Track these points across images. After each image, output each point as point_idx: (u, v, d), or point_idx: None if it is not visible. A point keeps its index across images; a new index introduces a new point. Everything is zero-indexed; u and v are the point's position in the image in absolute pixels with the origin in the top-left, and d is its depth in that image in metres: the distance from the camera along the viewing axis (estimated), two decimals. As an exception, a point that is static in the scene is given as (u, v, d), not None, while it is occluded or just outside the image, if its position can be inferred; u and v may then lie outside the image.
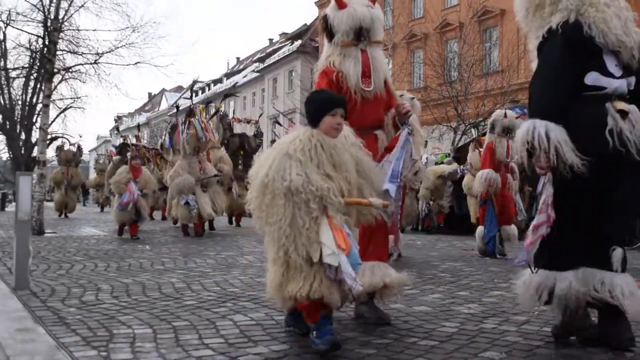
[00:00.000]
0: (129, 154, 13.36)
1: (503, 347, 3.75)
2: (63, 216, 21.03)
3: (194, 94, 14.66)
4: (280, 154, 3.57)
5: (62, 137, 23.50)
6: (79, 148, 22.61)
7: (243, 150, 16.50)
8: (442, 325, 4.34)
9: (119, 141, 31.06)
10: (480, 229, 9.66)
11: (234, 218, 16.94)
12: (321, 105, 3.78)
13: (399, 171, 4.37)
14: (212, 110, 13.16)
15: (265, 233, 3.63)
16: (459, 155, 18.02)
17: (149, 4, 49.49)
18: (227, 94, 17.82)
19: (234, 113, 21.21)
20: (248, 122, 18.44)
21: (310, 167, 3.52)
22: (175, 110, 14.53)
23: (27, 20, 15.31)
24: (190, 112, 13.22)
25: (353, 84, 4.52)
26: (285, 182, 3.43)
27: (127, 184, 11.64)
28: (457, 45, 27.72)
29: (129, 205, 11.48)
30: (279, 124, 25.15)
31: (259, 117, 20.66)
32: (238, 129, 21.42)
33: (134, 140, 22.20)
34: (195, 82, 12.86)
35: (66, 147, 22.59)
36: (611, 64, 3.70)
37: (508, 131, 9.39)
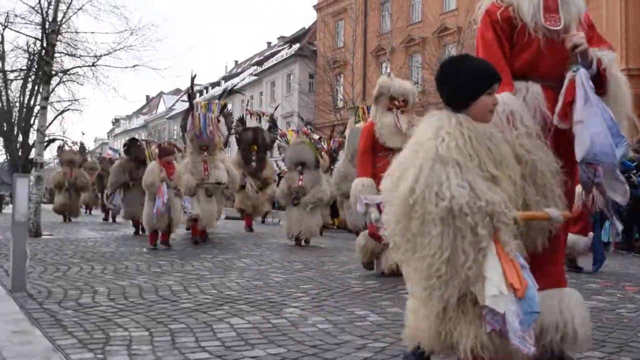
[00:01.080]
0: (153, 149, 11.99)
1: (500, 351, 3.74)
2: (67, 220, 19.78)
3: (195, 93, 13.67)
4: (427, 157, 2.60)
5: (62, 139, 23.40)
6: (82, 147, 21.50)
7: (256, 145, 15.14)
8: (439, 329, 4.32)
9: (116, 144, 30.71)
10: None
11: (245, 221, 15.92)
12: (477, 79, 2.79)
13: (613, 124, 3.03)
14: (216, 108, 11.84)
15: (405, 262, 2.76)
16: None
17: (147, 7, 49.40)
18: (232, 91, 16.10)
19: (247, 108, 19.36)
20: (262, 115, 16.86)
21: (472, 172, 2.58)
22: (188, 95, 12.66)
23: (25, 23, 15.28)
24: (191, 105, 11.84)
25: (530, 19, 3.25)
26: (443, 202, 2.49)
27: (159, 186, 10.12)
28: (455, 50, 27.77)
29: (163, 209, 10.08)
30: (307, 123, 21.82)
31: (275, 109, 19.21)
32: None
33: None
34: (195, 76, 11.79)
35: (67, 147, 21.20)
36: None
37: None
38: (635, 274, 8.22)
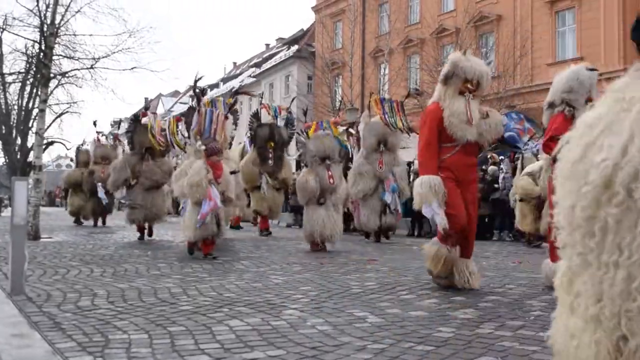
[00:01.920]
0: (199, 145, 9.83)
1: (499, 352, 3.75)
2: (93, 224, 18.43)
3: (204, 89, 12.64)
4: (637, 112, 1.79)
5: (61, 142, 23.31)
6: (117, 139, 18.60)
7: (273, 141, 14.03)
8: (438, 330, 4.34)
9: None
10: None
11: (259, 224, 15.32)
12: None
13: None
14: (221, 105, 10.90)
15: (578, 266, 1.92)
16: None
17: (145, 10, 49.45)
18: (241, 92, 14.98)
19: (262, 102, 17.88)
20: (280, 111, 15.40)
21: None
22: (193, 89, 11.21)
23: (24, 25, 15.30)
24: (198, 101, 10.65)
25: None
26: None
27: (208, 188, 8.87)
28: (453, 51, 27.77)
29: (209, 215, 8.85)
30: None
31: (291, 102, 17.83)
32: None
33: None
34: (200, 78, 10.78)
35: (85, 146, 19.65)
36: None
37: None
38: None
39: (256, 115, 14.98)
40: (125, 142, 14.08)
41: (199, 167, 9.08)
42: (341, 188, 10.72)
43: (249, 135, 15.09)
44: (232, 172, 10.29)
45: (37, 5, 14.16)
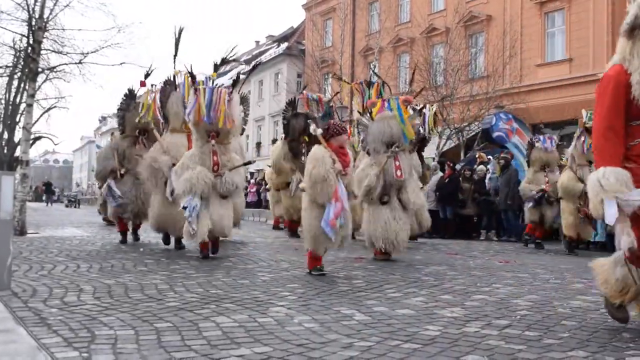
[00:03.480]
0: (314, 129, 7.51)
1: (485, 350, 3.76)
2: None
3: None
4: None
5: (48, 137, 23.12)
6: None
7: (308, 135, 11.79)
8: (425, 328, 4.35)
9: (103, 142, 29.56)
10: None
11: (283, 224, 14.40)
12: None
13: None
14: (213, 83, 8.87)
15: None
16: (444, 159, 18.13)
17: (134, 4, 49.25)
18: (256, 65, 11.12)
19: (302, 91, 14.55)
20: (319, 101, 13.22)
21: None
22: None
23: (12, 19, 15.27)
24: (193, 79, 8.82)
25: None
26: None
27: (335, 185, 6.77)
28: (443, 50, 27.83)
29: (340, 222, 6.82)
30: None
31: (334, 96, 15.91)
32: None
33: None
34: (233, 48, 8.39)
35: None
36: None
37: None
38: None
39: (292, 103, 13.40)
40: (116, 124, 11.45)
41: (321, 154, 6.97)
42: (412, 182, 9.30)
43: (283, 123, 13.54)
44: (247, 163, 9.55)
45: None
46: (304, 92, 13.97)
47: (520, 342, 3.98)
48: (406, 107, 9.06)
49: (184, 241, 9.34)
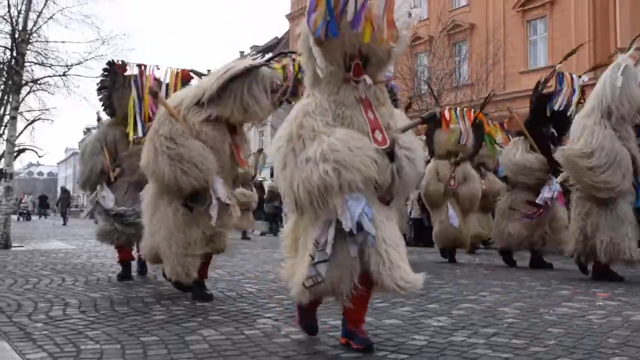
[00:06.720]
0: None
1: (472, 359, 3.77)
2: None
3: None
4: None
5: (32, 149, 22.90)
6: None
7: None
8: (412, 338, 4.35)
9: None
10: None
11: None
12: None
13: None
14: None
15: None
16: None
17: (119, 17, 49.22)
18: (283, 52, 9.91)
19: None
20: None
21: None
22: None
23: (-5, 32, 15.16)
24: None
25: None
26: None
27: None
28: (427, 59, 27.97)
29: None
30: None
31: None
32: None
33: None
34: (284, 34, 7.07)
35: None
36: None
37: None
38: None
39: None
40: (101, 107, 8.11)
41: None
42: (471, 188, 9.48)
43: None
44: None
45: (9, 11, 14.08)
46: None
47: (507, 350, 3.99)
48: (487, 123, 9.55)
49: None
